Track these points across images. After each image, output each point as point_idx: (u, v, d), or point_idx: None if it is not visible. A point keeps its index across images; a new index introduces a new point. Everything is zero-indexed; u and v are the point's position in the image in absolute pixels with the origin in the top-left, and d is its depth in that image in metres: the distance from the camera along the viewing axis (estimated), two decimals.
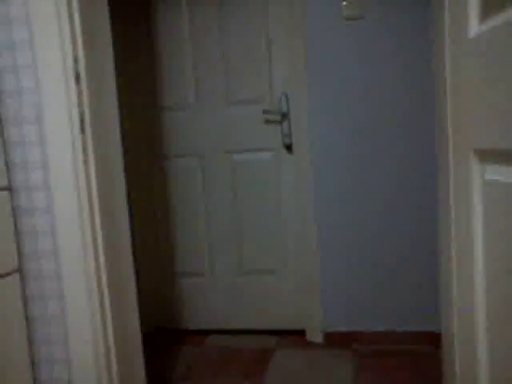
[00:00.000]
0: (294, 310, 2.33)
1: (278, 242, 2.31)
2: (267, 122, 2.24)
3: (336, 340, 2.20)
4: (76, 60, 1.24)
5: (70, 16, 1.23)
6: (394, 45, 2.03)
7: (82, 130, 1.25)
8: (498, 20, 0.79)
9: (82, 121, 1.25)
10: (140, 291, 2.49)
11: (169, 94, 2.34)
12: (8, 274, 1.27)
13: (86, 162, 1.27)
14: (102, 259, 1.30)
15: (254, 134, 2.27)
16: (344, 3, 2.04)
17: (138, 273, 2.48)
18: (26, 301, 1.32)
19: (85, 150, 1.26)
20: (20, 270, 1.31)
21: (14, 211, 1.30)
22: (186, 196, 2.39)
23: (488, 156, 0.84)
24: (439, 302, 1.99)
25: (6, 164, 1.28)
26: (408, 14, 2.01)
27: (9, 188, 1.29)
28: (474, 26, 0.89)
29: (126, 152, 2.41)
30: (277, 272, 2.33)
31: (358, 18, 2.04)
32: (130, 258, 1.51)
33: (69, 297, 1.29)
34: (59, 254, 1.28)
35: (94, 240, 1.27)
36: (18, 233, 1.31)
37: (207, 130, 2.32)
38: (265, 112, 2.18)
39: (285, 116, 2.19)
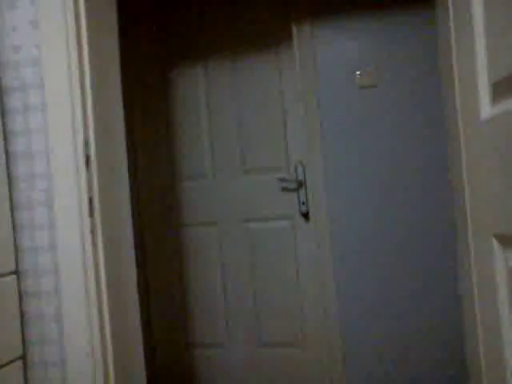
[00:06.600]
0: (317, 381, 2.19)
1: (296, 312, 2.22)
2: (283, 189, 2.22)
3: None
4: (87, 143, 1.26)
5: (83, 102, 1.26)
6: (407, 110, 2.01)
7: (91, 213, 1.25)
8: (509, 103, 0.76)
9: (90, 204, 1.25)
10: (156, 363, 2.40)
11: (185, 162, 2.36)
12: (11, 362, 1.23)
13: (94, 244, 1.25)
14: (109, 348, 1.25)
15: (271, 202, 2.24)
16: (358, 73, 2.06)
17: (154, 344, 2.40)
18: None
19: (93, 232, 1.25)
20: (24, 356, 1.27)
21: (21, 295, 1.28)
22: (203, 265, 2.34)
23: (510, 241, 0.78)
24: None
25: (16, 248, 1.28)
26: (421, 81, 2.00)
27: (16, 272, 1.27)
28: (486, 108, 0.86)
29: (142, 220, 2.41)
30: (297, 343, 2.22)
31: (371, 86, 2.04)
32: (139, 340, 1.45)
33: (71, 380, 1.23)
34: (64, 340, 1.24)
35: (102, 329, 1.23)
36: (23, 317, 1.28)
37: (223, 199, 2.30)
38: (281, 180, 2.17)
39: (301, 184, 2.17)
